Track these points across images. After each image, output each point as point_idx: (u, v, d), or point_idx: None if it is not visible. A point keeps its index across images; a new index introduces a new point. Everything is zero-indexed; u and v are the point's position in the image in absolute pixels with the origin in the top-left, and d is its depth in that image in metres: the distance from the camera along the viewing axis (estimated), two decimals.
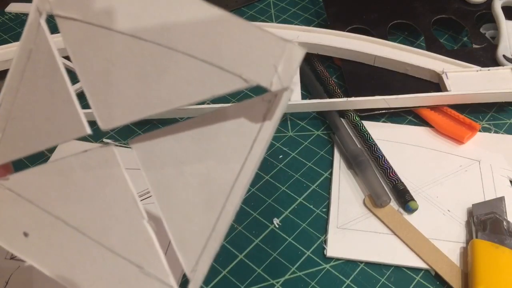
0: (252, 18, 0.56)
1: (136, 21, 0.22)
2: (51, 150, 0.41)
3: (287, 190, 0.40)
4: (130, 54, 0.22)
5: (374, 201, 0.38)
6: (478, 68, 0.45)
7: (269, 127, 0.22)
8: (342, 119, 0.44)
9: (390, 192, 0.39)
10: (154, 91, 0.22)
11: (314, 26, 0.51)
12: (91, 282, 0.23)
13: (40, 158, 0.41)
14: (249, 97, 0.44)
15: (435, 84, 0.45)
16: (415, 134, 0.43)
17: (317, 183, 0.40)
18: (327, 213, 0.38)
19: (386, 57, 0.46)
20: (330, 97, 0.45)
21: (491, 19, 0.51)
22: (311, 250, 0.36)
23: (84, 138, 0.42)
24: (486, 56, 0.47)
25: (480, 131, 0.43)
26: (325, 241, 0.37)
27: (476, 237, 0.35)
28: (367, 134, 0.42)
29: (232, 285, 0.35)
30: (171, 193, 0.23)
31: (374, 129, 0.43)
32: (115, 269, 0.23)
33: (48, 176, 0.24)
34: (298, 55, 0.21)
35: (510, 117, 0.45)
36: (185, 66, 0.21)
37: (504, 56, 0.46)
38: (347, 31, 0.49)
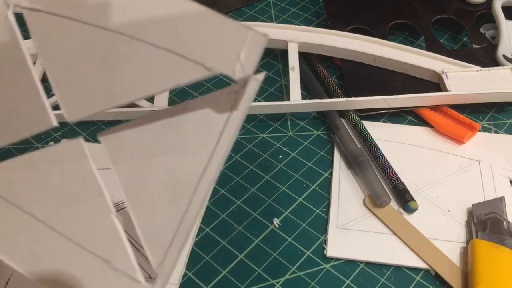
0: (252, 18, 0.56)
1: (99, 11, 0.21)
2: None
3: (287, 190, 0.40)
4: (93, 44, 0.22)
5: (374, 201, 0.38)
6: (478, 68, 0.45)
7: (236, 118, 0.22)
8: (342, 119, 0.44)
9: (390, 192, 0.39)
10: (117, 81, 0.22)
11: (314, 26, 0.51)
12: (58, 277, 0.23)
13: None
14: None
15: (435, 84, 0.45)
16: (415, 134, 0.43)
17: (317, 183, 0.40)
18: (327, 213, 0.38)
19: (386, 57, 0.46)
20: (330, 97, 0.45)
21: (491, 19, 0.51)
22: (311, 250, 0.36)
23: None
24: (486, 56, 0.47)
25: (480, 131, 0.43)
26: (325, 241, 0.37)
27: (476, 237, 0.35)
28: (367, 134, 0.42)
29: (232, 285, 0.35)
30: (138, 186, 0.23)
31: (374, 129, 0.43)
32: (82, 263, 0.23)
33: (15, 170, 0.24)
34: (261, 42, 0.20)
35: (510, 117, 0.45)
36: (147, 55, 0.21)
37: (504, 56, 0.46)
38: (347, 31, 0.49)
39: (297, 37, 0.48)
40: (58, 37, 0.22)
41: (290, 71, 0.46)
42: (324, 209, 0.39)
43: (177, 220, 0.22)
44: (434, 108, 0.44)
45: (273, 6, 0.57)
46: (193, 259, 0.36)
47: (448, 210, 0.38)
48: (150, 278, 0.30)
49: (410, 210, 0.37)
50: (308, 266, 0.35)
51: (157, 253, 0.23)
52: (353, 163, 0.40)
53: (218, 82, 0.49)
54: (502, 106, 0.46)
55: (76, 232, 0.23)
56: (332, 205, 0.39)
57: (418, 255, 0.35)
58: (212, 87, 0.48)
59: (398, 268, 0.35)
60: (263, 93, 0.48)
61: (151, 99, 0.45)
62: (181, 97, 0.47)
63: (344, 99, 0.43)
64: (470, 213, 0.37)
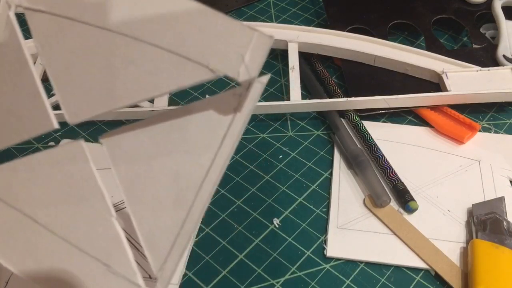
0: (252, 18, 0.56)
1: (101, 11, 0.21)
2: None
3: (287, 190, 0.40)
4: (96, 46, 0.22)
5: (374, 201, 0.38)
6: (478, 68, 0.45)
7: (240, 121, 0.21)
8: (342, 119, 0.44)
9: (390, 192, 0.39)
10: (121, 83, 0.21)
11: (314, 26, 0.51)
12: (57, 280, 0.23)
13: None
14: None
15: (435, 84, 0.45)
16: (415, 134, 0.43)
17: (317, 183, 0.40)
18: (327, 213, 0.38)
19: (386, 57, 0.46)
20: (330, 97, 0.45)
21: (491, 19, 0.51)
22: (311, 250, 0.36)
23: (85, 139, 0.42)
24: (486, 56, 0.47)
25: (480, 131, 0.43)
26: (325, 241, 0.37)
27: (476, 237, 0.35)
28: (367, 134, 0.42)
29: (232, 285, 0.35)
30: (139, 189, 0.23)
31: (374, 129, 0.43)
32: (82, 267, 0.23)
33: (16, 172, 0.24)
34: (266, 44, 0.20)
35: (510, 117, 0.45)
36: (151, 57, 0.21)
37: (504, 56, 0.46)
38: (347, 31, 0.49)
39: (297, 37, 0.48)
40: (59, 38, 0.22)
41: (290, 71, 0.46)
42: (324, 209, 0.39)
43: (178, 224, 0.22)
44: (434, 108, 0.44)
45: (273, 6, 0.57)
46: (193, 259, 0.36)
47: (448, 210, 0.38)
48: (150, 278, 0.30)
49: (410, 210, 0.37)
50: (308, 266, 0.35)
51: (158, 257, 0.22)
52: (353, 163, 0.40)
53: (219, 82, 0.49)
54: (502, 106, 0.46)
55: (75, 235, 0.23)
56: (332, 205, 0.39)
57: (418, 255, 0.35)
58: (212, 87, 0.48)
59: (398, 268, 0.35)
60: (263, 93, 0.48)
61: (151, 99, 0.45)
62: (181, 97, 0.47)
63: (344, 99, 0.43)
64: (470, 213, 0.37)
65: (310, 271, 0.35)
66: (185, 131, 0.22)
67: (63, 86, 0.22)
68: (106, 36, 0.21)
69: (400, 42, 0.51)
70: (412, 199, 0.37)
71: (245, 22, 0.52)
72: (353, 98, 0.43)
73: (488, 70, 0.45)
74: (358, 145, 0.42)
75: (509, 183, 0.39)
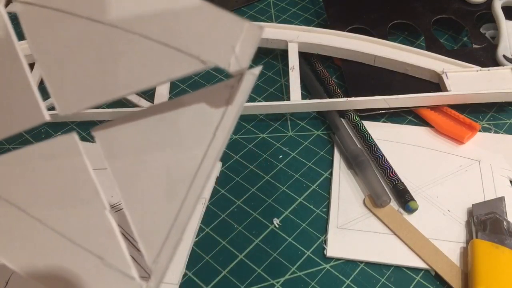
0: (252, 18, 0.56)
1: (92, 3, 0.21)
2: None
3: (287, 190, 0.40)
4: (87, 38, 0.21)
5: (374, 201, 0.38)
6: (478, 68, 0.45)
7: (232, 113, 0.21)
8: (342, 119, 0.44)
9: (390, 192, 0.39)
10: (112, 75, 0.21)
11: (314, 26, 0.51)
12: (52, 274, 0.23)
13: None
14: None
15: (435, 84, 0.45)
16: (415, 134, 0.43)
17: (317, 183, 0.40)
18: (327, 213, 0.38)
19: (386, 57, 0.46)
20: (330, 97, 0.45)
21: (491, 19, 0.51)
22: (311, 250, 0.36)
23: (84, 138, 0.42)
24: (486, 56, 0.47)
25: (480, 131, 0.43)
26: (325, 241, 0.37)
27: (476, 237, 0.35)
28: (367, 134, 0.42)
29: (232, 285, 0.35)
30: (132, 182, 0.23)
31: (374, 129, 0.43)
32: (76, 260, 0.23)
33: (8, 166, 0.24)
34: (256, 35, 0.20)
35: (510, 117, 0.45)
36: (141, 49, 0.21)
37: (504, 56, 0.46)
38: (347, 31, 0.49)
39: (297, 37, 0.48)
40: (50, 30, 0.22)
41: (290, 71, 0.46)
42: (324, 209, 0.39)
43: (172, 217, 0.22)
44: (434, 108, 0.44)
45: (273, 6, 0.58)
46: (193, 259, 0.36)
47: (448, 210, 0.38)
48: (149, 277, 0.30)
49: (410, 210, 0.37)
50: (308, 266, 0.35)
51: (151, 250, 0.22)
52: (353, 163, 0.40)
53: (218, 82, 0.49)
54: (502, 106, 0.46)
55: (69, 229, 0.23)
56: (332, 205, 0.39)
57: (418, 255, 0.35)
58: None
59: (398, 268, 0.35)
60: (263, 93, 0.48)
61: (151, 99, 0.45)
62: (181, 95, 0.47)
63: (344, 99, 0.43)
64: (470, 213, 0.37)
65: (310, 271, 0.35)
66: (178, 123, 0.22)
67: (54, 78, 0.22)
68: (96, 28, 0.21)
69: (400, 42, 0.51)
70: (412, 199, 0.37)
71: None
72: (353, 98, 0.43)
73: (488, 70, 0.45)
74: (358, 145, 0.42)
75: (509, 183, 0.39)
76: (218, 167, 0.41)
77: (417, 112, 0.45)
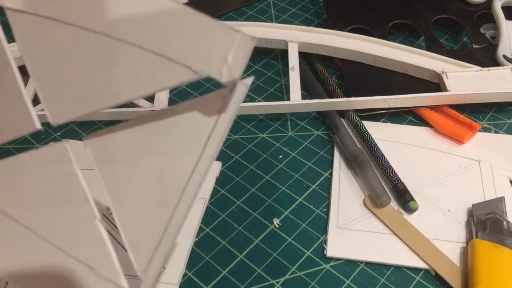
0: (252, 18, 0.56)
1: (85, 12, 0.21)
2: None
3: (287, 190, 0.40)
4: (79, 46, 0.21)
5: (374, 201, 0.38)
6: (478, 68, 0.45)
7: (224, 122, 0.21)
8: (342, 119, 0.44)
9: (390, 192, 0.39)
10: (104, 84, 0.21)
11: (314, 26, 0.51)
12: (41, 282, 0.23)
13: None
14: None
15: (435, 84, 0.45)
16: (415, 134, 0.43)
17: (317, 183, 0.40)
18: (327, 213, 0.38)
19: (386, 57, 0.46)
20: (330, 97, 0.45)
21: (491, 19, 0.51)
22: (311, 250, 0.36)
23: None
24: (486, 56, 0.47)
25: (480, 131, 0.43)
26: (325, 241, 0.37)
27: (476, 237, 0.35)
28: (367, 134, 0.42)
29: (232, 285, 0.35)
30: (123, 190, 0.23)
31: (374, 129, 0.43)
32: (65, 269, 0.23)
33: None
34: (249, 45, 0.20)
35: (510, 117, 0.45)
36: (134, 58, 0.21)
37: (504, 56, 0.46)
38: (347, 31, 0.49)
39: (297, 37, 0.48)
40: (42, 38, 0.22)
41: (290, 71, 0.46)
42: (324, 209, 0.39)
43: (162, 226, 0.22)
44: (434, 108, 0.44)
45: (273, 6, 0.57)
46: (193, 259, 0.36)
47: (448, 210, 0.38)
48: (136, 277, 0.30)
49: (410, 210, 0.37)
50: (308, 266, 0.35)
51: (141, 259, 0.22)
52: (353, 163, 0.40)
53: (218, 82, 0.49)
54: (502, 106, 0.46)
55: (59, 237, 0.23)
56: (332, 205, 0.39)
57: (418, 255, 0.35)
58: (212, 87, 0.48)
59: (398, 268, 0.35)
60: (263, 93, 0.48)
61: (151, 99, 0.45)
62: (181, 97, 0.47)
63: (344, 99, 0.43)
64: (470, 213, 0.37)
65: (310, 271, 0.35)
66: (170, 132, 0.22)
67: (45, 87, 0.22)
68: (89, 37, 0.21)
69: (400, 42, 0.51)
70: (412, 199, 0.37)
71: (241, 22, 0.52)
72: (353, 98, 0.43)
73: (488, 70, 0.45)
74: (358, 145, 0.42)
75: (509, 183, 0.39)
76: (218, 167, 0.41)
77: (417, 112, 0.45)
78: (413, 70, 0.46)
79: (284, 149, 0.43)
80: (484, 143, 0.42)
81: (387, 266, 0.35)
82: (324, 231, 0.37)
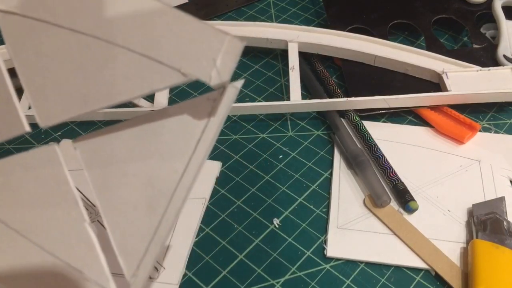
0: (252, 18, 0.56)
1: (75, 14, 0.21)
2: None
3: (287, 190, 0.40)
4: (69, 49, 0.21)
5: (374, 201, 0.38)
6: (478, 68, 0.45)
7: (214, 125, 0.21)
8: (342, 119, 0.44)
9: (390, 192, 0.39)
10: (93, 86, 0.21)
11: (314, 26, 0.51)
12: (30, 285, 0.23)
13: None
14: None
15: (435, 84, 0.45)
16: (415, 134, 0.43)
17: (317, 183, 0.40)
18: (327, 213, 0.38)
19: (386, 57, 0.46)
20: (330, 97, 0.45)
21: (491, 19, 0.51)
22: (311, 250, 0.36)
23: None
24: (486, 56, 0.47)
25: (480, 131, 0.43)
26: (325, 241, 0.37)
27: (476, 237, 0.35)
28: (367, 134, 0.42)
29: (232, 285, 0.35)
30: (113, 193, 0.23)
31: (374, 129, 0.43)
32: (55, 273, 0.23)
33: None
34: (237, 48, 0.20)
35: (510, 117, 0.45)
36: (123, 60, 0.21)
37: (504, 56, 0.46)
38: (347, 31, 0.49)
39: (297, 37, 0.48)
40: (32, 40, 0.22)
41: (290, 71, 0.46)
42: (324, 209, 0.39)
43: (151, 230, 0.22)
44: (434, 108, 0.44)
45: (273, 6, 0.57)
46: (193, 259, 0.36)
47: (448, 210, 0.38)
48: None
49: (410, 210, 0.37)
50: (308, 266, 0.35)
51: (130, 264, 0.22)
52: (353, 163, 0.40)
53: None
54: (502, 106, 0.46)
55: (48, 241, 0.23)
56: (332, 205, 0.39)
57: (418, 255, 0.35)
58: (212, 88, 0.48)
59: (398, 268, 0.35)
60: (263, 93, 0.48)
61: (150, 99, 0.45)
62: (181, 96, 0.47)
63: (344, 99, 0.43)
64: (470, 213, 0.37)
65: (310, 271, 0.35)
66: (159, 135, 0.22)
67: (35, 89, 0.22)
68: (79, 39, 0.21)
69: (400, 42, 0.51)
70: (412, 199, 0.37)
71: (241, 22, 0.52)
72: (353, 98, 0.43)
73: (488, 70, 0.45)
74: (358, 145, 0.42)
75: (509, 183, 0.39)
76: (218, 167, 0.41)
77: (417, 112, 0.45)
78: (413, 70, 0.46)
79: (284, 149, 0.43)
80: (484, 143, 0.42)
81: (387, 266, 0.35)
82: (324, 231, 0.37)
